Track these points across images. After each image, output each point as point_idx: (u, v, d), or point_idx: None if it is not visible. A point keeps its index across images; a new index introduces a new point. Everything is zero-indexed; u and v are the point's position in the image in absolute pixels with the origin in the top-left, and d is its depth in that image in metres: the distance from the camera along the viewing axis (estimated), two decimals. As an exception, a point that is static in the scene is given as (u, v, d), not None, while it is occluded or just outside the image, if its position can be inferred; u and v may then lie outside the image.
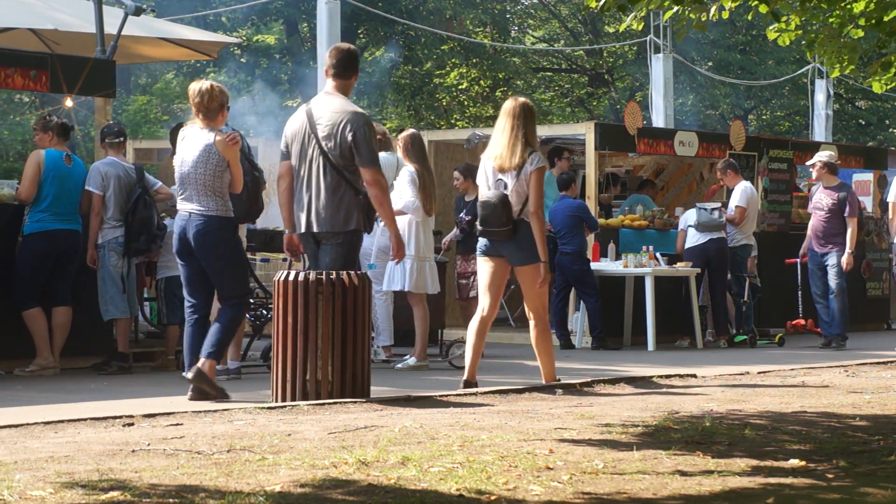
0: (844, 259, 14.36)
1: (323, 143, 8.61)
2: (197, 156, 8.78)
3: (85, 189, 11.06)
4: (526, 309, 9.45)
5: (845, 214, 14.44)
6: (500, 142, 9.27)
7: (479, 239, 9.41)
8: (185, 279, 8.94)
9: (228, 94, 9.03)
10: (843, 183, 15.05)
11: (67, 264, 10.95)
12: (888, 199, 14.71)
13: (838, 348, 14.25)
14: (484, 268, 9.38)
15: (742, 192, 15.00)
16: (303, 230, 8.74)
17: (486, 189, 9.32)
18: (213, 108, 8.77)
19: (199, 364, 8.64)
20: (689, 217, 14.80)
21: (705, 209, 14.58)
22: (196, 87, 8.87)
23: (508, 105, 9.35)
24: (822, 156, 14.80)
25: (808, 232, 14.86)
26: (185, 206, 8.84)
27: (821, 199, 14.66)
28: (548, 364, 9.44)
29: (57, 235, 10.86)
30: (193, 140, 8.83)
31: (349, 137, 8.57)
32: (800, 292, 15.40)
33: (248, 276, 9.68)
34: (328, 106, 8.70)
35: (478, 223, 9.34)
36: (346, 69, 8.81)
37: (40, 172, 10.84)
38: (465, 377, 9.28)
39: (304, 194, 8.70)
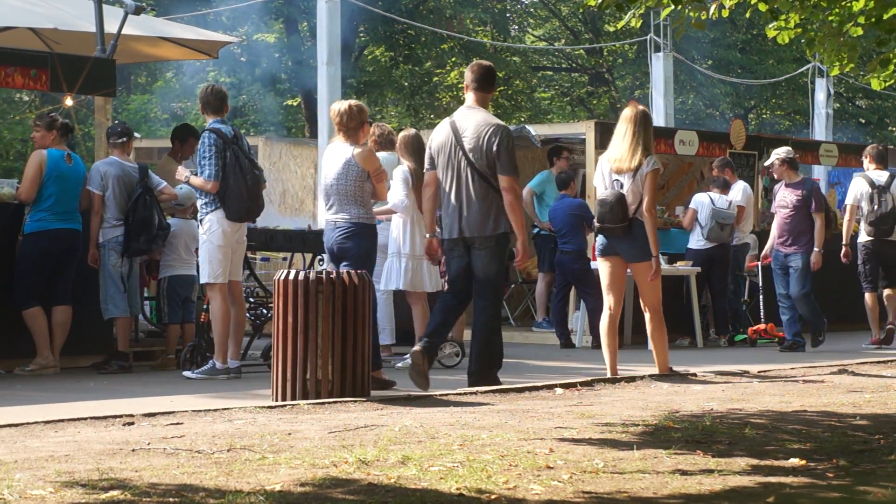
0: (814, 258, 13.59)
1: (469, 154, 9.19)
2: (339, 169, 9.61)
3: (85, 188, 11.08)
4: (641, 304, 10.16)
5: (811, 210, 13.66)
6: (619, 145, 9.96)
7: (597, 238, 10.03)
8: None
9: (367, 111, 9.82)
10: (806, 178, 14.36)
11: (68, 263, 10.95)
12: (846, 202, 14.73)
13: (817, 345, 13.82)
14: (603, 268, 10.07)
15: (742, 191, 15.04)
16: (454, 235, 9.30)
17: (602, 189, 9.98)
18: (352, 126, 9.61)
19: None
20: (701, 202, 14.70)
21: (720, 223, 14.54)
22: (336, 107, 9.68)
23: (629, 112, 10.06)
24: (779, 152, 13.95)
25: (773, 231, 13.99)
26: (331, 217, 9.68)
27: (785, 197, 13.83)
28: (662, 355, 10.23)
29: (58, 234, 10.85)
30: (335, 155, 9.70)
31: (494, 147, 9.13)
32: (761, 296, 14.85)
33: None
34: (472, 119, 9.28)
35: (595, 220, 9.97)
36: (486, 83, 9.41)
37: (42, 173, 10.82)
38: (609, 375, 9.94)
39: (454, 202, 9.28)
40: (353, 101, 9.77)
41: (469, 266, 9.31)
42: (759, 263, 14.75)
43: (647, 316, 10.14)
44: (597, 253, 10.12)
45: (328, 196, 9.68)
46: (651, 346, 10.33)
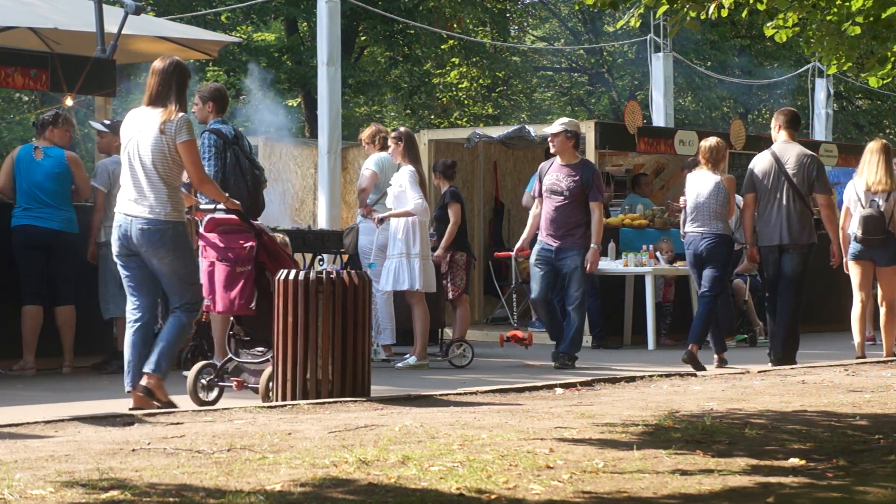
0: (590, 257, 11.66)
1: (793, 178, 11.55)
2: (710, 191, 11.79)
3: (91, 184, 11.17)
4: (879, 297, 12.34)
5: (589, 199, 11.72)
6: (874, 171, 12.10)
7: (851, 245, 12.15)
8: (701, 279, 11.94)
9: (714, 149, 11.88)
10: (585, 160, 12.11)
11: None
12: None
13: (563, 367, 11.56)
14: (856, 270, 12.25)
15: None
16: (774, 243, 11.59)
17: (860, 207, 12.12)
18: (717, 159, 11.88)
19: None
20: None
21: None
22: (705, 144, 11.92)
23: (877, 144, 12.26)
24: (568, 124, 11.92)
25: (538, 222, 11.89)
26: (696, 229, 11.85)
27: (558, 181, 11.69)
28: (890, 341, 12.26)
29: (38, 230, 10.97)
30: (704, 180, 11.88)
31: (813, 174, 11.60)
32: (515, 295, 13.94)
33: (726, 274, 12.20)
34: (792, 151, 11.67)
35: (859, 233, 12.05)
36: (794, 124, 11.88)
37: None
38: (857, 355, 12.06)
39: (775, 216, 11.60)
40: (718, 139, 12.03)
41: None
42: (513, 255, 13.16)
43: (882, 310, 12.27)
44: (849, 257, 12.15)
45: (696, 212, 11.80)
46: (882, 333, 12.34)
